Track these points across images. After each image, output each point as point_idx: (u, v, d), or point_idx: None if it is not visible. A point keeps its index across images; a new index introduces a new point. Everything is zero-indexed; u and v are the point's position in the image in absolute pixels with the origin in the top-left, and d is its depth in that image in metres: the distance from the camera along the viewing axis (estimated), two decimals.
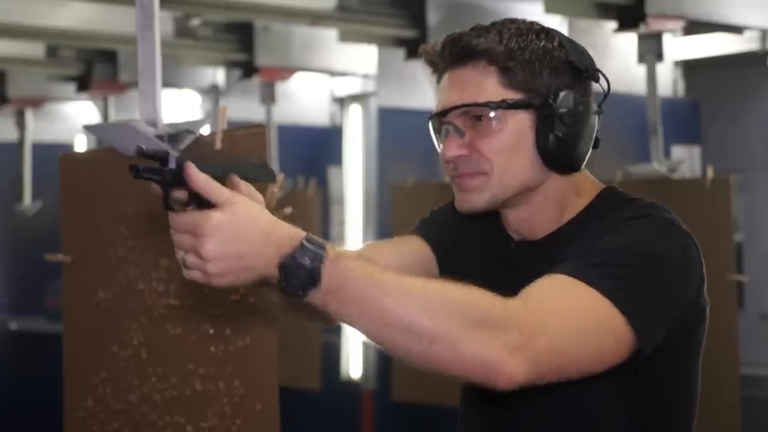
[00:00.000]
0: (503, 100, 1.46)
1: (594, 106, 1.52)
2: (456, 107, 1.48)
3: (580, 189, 1.54)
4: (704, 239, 3.91)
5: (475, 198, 1.50)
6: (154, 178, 1.22)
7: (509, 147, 1.47)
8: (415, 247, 1.66)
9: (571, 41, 1.53)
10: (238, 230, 1.20)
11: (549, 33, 1.50)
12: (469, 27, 1.52)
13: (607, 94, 1.54)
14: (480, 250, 1.62)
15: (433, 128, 1.55)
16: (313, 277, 1.20)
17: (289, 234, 1.21)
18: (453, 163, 1.50)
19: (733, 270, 3.76)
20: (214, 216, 1.19)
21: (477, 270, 1.58)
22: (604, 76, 1.54)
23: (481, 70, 1.48)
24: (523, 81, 1.47)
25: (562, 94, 1.47)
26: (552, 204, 1.52)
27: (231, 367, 1.78)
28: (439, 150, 1.54)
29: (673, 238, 1.42)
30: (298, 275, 1.20)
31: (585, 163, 1.53)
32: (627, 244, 1.38)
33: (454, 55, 1.49)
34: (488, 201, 1.50)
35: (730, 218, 3.86)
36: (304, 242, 1.20)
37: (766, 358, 4.79)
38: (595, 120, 1.52)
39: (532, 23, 1.52)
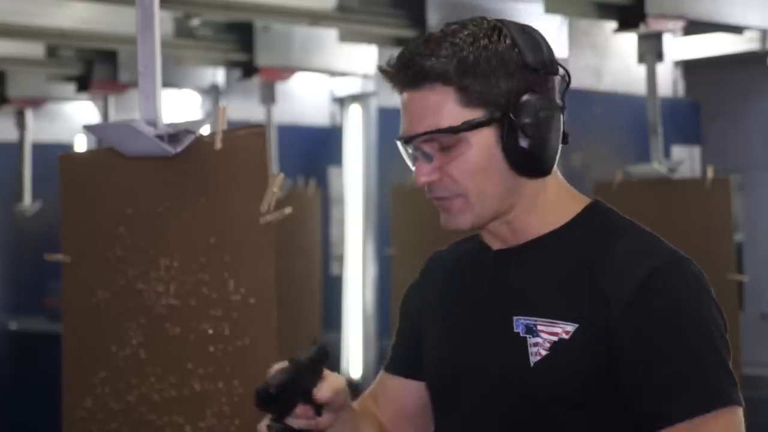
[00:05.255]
0: (464, 123, 1.43)
1: (557, 102, 1.48)
2: (416, 135, 1.46)
3: (558, 193, 1.52)
4: (704, 239, 3.93)
5: (460, 219, 1.49)
6: None
7: (480, 167, 1.45)
8: (396, 394, 1.68)
9: (524, 32, 1.47)
10: None
11: (501, 32, 1.45)
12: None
13: (568, 85, 1.50)
14: (463, 271, 1.61)
15: (403, 150, 1.52)
16: None
17: None
18: (427, 186, 1.49)
19: (733, 270, 3.76)
20: None
21: (455, 295, 1.59)
22: (563, 67, 1.50)
23: (437, 92, 1.44)
24: (481, 95, 1.43)
25: (522, 99, 1.43)
26: (536, 207, 1.50)
27: (230, 367, 1.78)
28: (412, 170, 1.52)
29: (707, 295, 1.43)
30: None
31: (557, 162, 1.50)
32: (695, 339, 1.40)
33: (409, 78, 1.46)
34: (473, 221, 1.49)
35: (730, 218, 3.86)
36: None
37: (766, 358, 4.79)
38: (560, 117, 1.48)
39: (481, 22, 1.47)
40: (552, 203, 1.51)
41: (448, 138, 1.44)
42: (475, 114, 1.44)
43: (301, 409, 1.44)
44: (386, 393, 1.69)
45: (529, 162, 1.45)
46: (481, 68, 1.43)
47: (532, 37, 1.48)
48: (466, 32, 1.45)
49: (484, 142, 1.45)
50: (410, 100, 1.47)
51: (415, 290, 1.69)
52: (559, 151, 1.49)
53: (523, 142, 1.44)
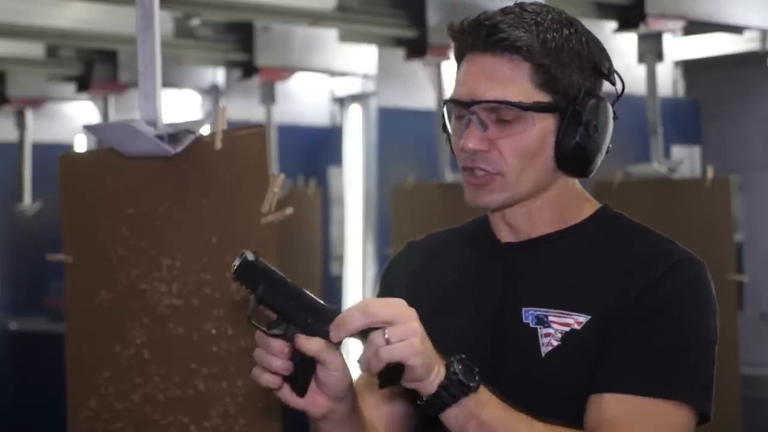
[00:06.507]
0: (535, 102, 1.42)
1: (611, 111, 1.49)
2: (484, 101, 1.43)
3: (576, 195, 1.52)
4: (704, 239, 3.95)
5: (492, 197, 1.47)
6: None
7: (530, 150, 1.44)
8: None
9: (593, 38, 1.49)
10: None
11: (577, 29, 1.46)
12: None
13: (620, 96, 1.51)
14: (458, 260, 1.58)
15: (449, 112, 1.49)
16: (465, 392, 1.30)
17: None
18: (471, 153, 1.46)
19: (733, 270, 3.76)
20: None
21: (454, 281, 1.56)
22: (620, 76, 1.50)
23: (515, 65, 1.43)
24: (554, 81, 1.43)
25: (588, 99, 1.44)
26: (556, 204, 1.50)
27: (234, 367, 1.79)
28: (450, 133, 1.49)
29: (711, 302, 1.44)
30: (457, 386, 1.30)
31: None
32: (681, 335, 1.40)
33: (490, 43, 1.43)
34: (504, 201, 1.48)
35: (730, 218, 3.86)
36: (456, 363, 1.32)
37: (766, 358, 4.79)
38: (612, 126, 1.49)
39: (560, 12, 1.47)
40: (569, 203, 1.52)
41: (512, 112, 1.43)
42: (544, 97, 1.43)
43: (278, 343, 1.33)
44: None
45: (577, 159, 1.46)
46: (562, 55, 1.43)
47: (597, 42, 1.49)
48: (549, 16, 1.45)
49: (544, 127, 1.44)
50: (481, 64, 1.45)
51: (398, 273, 1.64)
52: (601, 160, 1.50)
53: (581, 139, 1.44)
